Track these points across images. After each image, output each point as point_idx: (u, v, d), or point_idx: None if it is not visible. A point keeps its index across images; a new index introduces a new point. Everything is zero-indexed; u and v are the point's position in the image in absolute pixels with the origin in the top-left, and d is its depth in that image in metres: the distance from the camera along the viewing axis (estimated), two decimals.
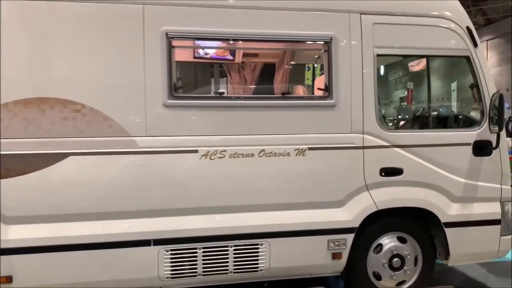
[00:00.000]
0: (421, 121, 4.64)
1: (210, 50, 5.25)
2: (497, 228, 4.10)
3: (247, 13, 3.64)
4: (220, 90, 3.66)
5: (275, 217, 3.69)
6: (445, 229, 3.98)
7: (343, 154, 3.80)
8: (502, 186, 4.12)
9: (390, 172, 3.87)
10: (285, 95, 4.01)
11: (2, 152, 3.25)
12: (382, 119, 3.92)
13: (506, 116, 5.28)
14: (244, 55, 5.66)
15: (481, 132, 4.02)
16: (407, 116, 5.37)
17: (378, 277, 3.99)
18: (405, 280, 4.03)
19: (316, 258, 3.77)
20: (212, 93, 3.81)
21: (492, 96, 3.94)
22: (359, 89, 3.81)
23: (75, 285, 3.42)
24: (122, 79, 3.45)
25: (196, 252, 3.57)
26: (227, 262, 3.62)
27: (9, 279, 3.30)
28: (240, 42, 3.90)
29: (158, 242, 3.51)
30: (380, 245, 3.97)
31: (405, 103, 5.16)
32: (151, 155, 3.48)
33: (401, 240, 4.01)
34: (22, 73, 3.30)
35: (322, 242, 3.76)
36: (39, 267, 3.35)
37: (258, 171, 3.65)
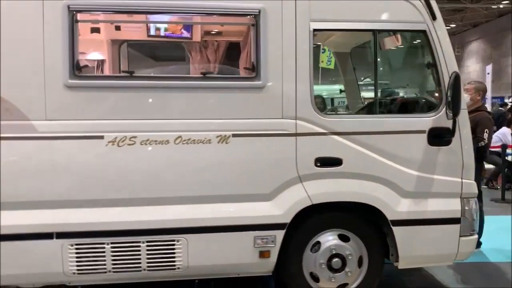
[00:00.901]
0: (369, 105, 4.15)
1: (163, 26, 4.89)
2: (455, 227, 3.60)
3: None
4: (130, 70, 3.31)
5: (194, 211, 3.34)
6: (393, 227, 3.53)
7: (272, 141, 3.39)
8: (464, 180, 3.60)
9: (327, 162, 3.43)
10: (207, 74, 3.62)
11: None
12: (320, 103, 3.48)
13: None
14: (206, 33, 5.27)
15: (438, 118, 3.51)
16: (352, 100, 4.84)
17: (316, 278, 3.59)
18: (347, 283, 3.62)
19: (241, 256, 3.41)
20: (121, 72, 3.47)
21: (450, 76, 3.41)
22: (291, 69, 3.37)
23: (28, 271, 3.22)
24: (19, 57, 3.15)
25: (104, 248, 3.27)
26: (139, 258, 3.31)
27: None
28: (154, 15, 3.51)
29: (62, 235, 3.23)
30: (319, 243, 3.56)
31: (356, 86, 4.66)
32: (51, 140, 3.18)
33: (343, 238, 3.59)
34: None
35: (248, 239, 3.38)
36: None
37: (174, 160, 3.30)
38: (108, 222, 3.26)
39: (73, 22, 3.17)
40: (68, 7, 3.14)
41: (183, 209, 3.33)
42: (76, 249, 3.25)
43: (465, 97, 4.10)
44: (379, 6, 3.47)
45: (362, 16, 3.46)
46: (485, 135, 4.57)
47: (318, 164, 3.42)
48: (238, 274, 3.53)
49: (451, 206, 3.59)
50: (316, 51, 3.78)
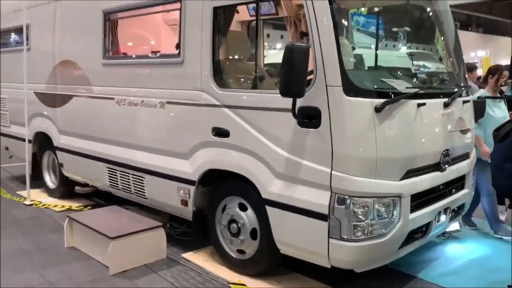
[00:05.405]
0: (254, 80, 3.67)
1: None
2: (322, 225, 3.10)
3: None
4: (125, 51, 4.54)
5: (149, 158, 4.43)
6: (266, 206, 3.43)
7: (187, 110, 3.99)
8: (335, 173, 3.02)
9: (219, 133, 3.73)
10: (156, 52, 4.30)
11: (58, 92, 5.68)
12: (218, 76, 3.72)
13: None
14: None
15: (307, 95, 3.06)
16: (246, 74, 3.93)
17: (223, 237, 3.94)
18: (243, 250, 3.77)
19: (171, 199, 4.23)
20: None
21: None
22: (198, 45, 3.82)
23: (96, 179, 5.40)
24: (90, 48, 5.08)
25: (116, 172, 4.88)
26: (129, 184, 4.73)
27: (61, 165, 5.78)
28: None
29: (102, 160, 5.04)
30: (226, 206, 3.88)
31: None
32: (97, 99, 5.00)
33: (243, 207, 3.74)
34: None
35: (174, 187, 4.16)
36: (73, 163, 5.61)
37: (140, 118, 4.48)
38: (117, 156, 4.81)
39: (105, 21, 4.79)
40: (103, 12, 4.78)
41: (144, 155, 4.48)
42: (108, 170, 5.00)
43: None
44: None
45: None
46: None
47: (214, 134, 3.76)
48: (178, 214, 4.34)
49: (317, 199, 3.11)
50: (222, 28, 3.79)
